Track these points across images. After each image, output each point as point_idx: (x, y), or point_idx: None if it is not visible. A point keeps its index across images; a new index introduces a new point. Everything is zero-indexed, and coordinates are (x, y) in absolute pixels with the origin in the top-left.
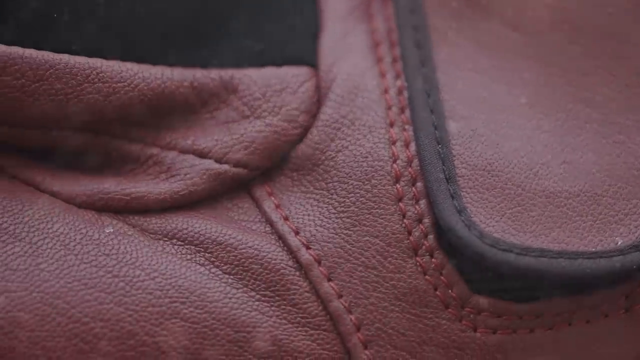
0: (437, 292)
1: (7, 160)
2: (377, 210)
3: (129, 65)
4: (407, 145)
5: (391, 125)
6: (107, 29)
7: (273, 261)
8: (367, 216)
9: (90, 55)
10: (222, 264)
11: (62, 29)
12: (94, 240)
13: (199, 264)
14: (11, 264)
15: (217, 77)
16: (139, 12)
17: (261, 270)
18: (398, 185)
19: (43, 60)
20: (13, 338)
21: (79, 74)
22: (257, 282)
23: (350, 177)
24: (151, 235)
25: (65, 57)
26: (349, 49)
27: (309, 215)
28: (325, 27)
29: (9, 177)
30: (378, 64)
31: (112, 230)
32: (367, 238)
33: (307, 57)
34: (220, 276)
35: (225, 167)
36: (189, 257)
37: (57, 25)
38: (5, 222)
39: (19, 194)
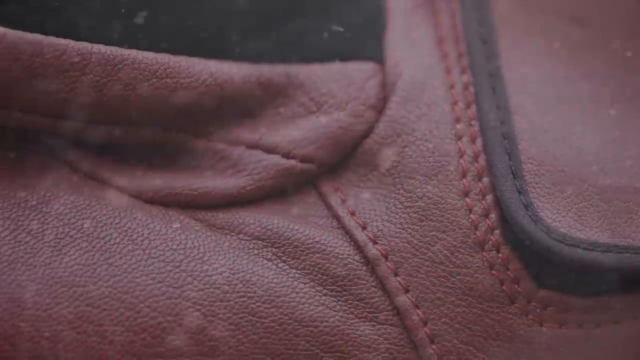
0: (504, 287)
1: (74, 156)
2: (443, 205)
3: (196, 60)
4: (473, 141)
5: (457, 120)
6: (175, 24)
7: (340, 256)
8: (433, 211)
9: (158, 51)
10: (289, 259)
11: (130, 25)
12: (162, 235)
13: (266, 259)
14: (80, 259)
15: (283, 72)
16: (207, 8)
17: (328, 265)
18: (464, 181)
19: (112, 56)
20: (82, 332)
21: (146, 69)
22: (324, 277)
23: (417, 172)
24: (218, 231)
25: (133, 53)
26: (414, 45)
27: (375, 210)
28: (391, 23)
29: (77, 173)
30: (443, 59)
31: (179, 225)
32: (433, 233)
33: (373, 52)
34: (287, 271)
35: (292, 162)
36: (256, 252)
37: (125, 22)
38: (74, 217)
39: (87, 189)
